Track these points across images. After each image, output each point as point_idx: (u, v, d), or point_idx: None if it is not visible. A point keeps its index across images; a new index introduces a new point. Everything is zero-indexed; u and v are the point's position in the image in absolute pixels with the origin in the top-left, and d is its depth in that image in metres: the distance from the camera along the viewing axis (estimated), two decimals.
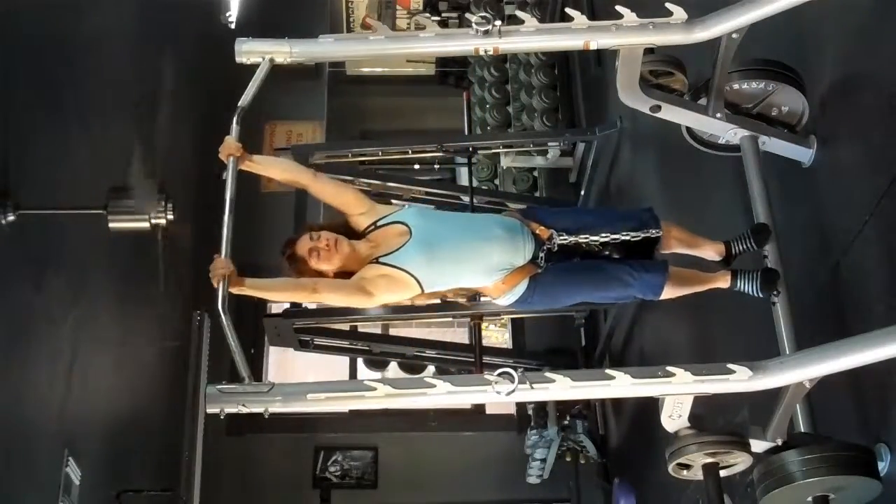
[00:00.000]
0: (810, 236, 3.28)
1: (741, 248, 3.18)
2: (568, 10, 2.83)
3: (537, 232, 3.09)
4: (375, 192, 6.09)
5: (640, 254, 3.16)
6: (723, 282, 3.18)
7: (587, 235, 3.11)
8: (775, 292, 2.97)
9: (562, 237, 3.09)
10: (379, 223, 3.08)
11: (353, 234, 3.08)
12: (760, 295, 3.02)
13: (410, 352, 6.73)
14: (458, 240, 3.02)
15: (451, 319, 7.71)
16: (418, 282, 2.96)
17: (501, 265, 3.03)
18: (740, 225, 3.59)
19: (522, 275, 3.04)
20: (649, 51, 2.93)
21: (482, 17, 2.77)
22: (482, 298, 3.15)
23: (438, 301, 3.21)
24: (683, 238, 3.28)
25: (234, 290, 2.69)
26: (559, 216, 3.22)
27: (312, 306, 6.48)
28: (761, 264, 3.08)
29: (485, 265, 3.02)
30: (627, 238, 3.12)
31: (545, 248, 3.07)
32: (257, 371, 7.35)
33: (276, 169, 3.19)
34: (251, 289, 2.75)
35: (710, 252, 3.28)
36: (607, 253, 3.15)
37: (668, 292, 3.16)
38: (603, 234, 3.10)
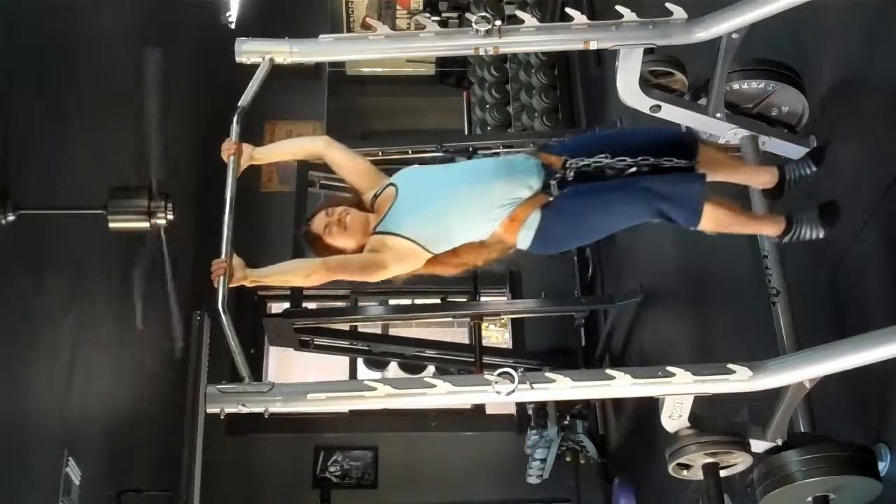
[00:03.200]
0: None
1: (797, 174, 2.94)
2: (568, 10, 2.83)
3: (546, 162, 2.84)
4: None
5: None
6: (775, 226, 2.86)
7: (610, 157, 2.78)
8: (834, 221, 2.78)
9: (579, 162, 2.79)
10: (378, 192, 2.94)
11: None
12: (822, 233, 2.81)
13: (410, 352, 6.73)
14: (446, 187, 2.83)
15: (451, 319, 7.73)
16: (417, 244, 2.78)
17: (502, 200, 2.77)
18: None
19: (532, 206, 2.77)
20: (649, 51, 2.92)
21: (482, 17, 2.77)
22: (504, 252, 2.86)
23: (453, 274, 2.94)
24: (724, 161, 2.94)
25: (248, 283, 2.66)
26: (577, 142, 2.97)
27: (313, 306, 6.49)
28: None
29: (483, 203, 2.77)
30: (658, 163, 2.77)
31: (557, 176, 2.79)
32: (257, 371, 7.35)
33: (285, 152, 3.16)
34: (261, 278, 2.71)
35: (762, 177, 2.96)
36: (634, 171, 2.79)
37: (709, 220, 2.74)
38: (629, 158, 2.77)
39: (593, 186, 2.78)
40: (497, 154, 7.02)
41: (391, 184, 2.92)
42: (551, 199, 2.78)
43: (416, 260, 2.82)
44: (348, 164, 3.02)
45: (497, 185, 2.79)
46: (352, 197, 3.02)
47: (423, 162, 6.45)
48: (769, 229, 2.89)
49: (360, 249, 2.85)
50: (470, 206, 2.79)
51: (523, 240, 2.81)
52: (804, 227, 2.85)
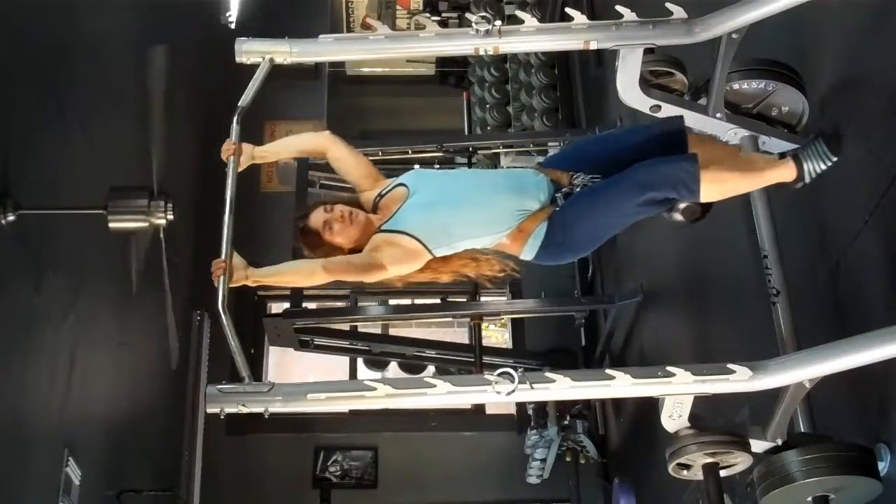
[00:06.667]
0: (810, 236, 3.28)
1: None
2: (568, 10, 2.83)
3: (554, 178, 2.89)
4: None
5: None
6: (786, 171, 2.82)
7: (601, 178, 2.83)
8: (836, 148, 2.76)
9: (586, 178, 2.85)
10: (383, 192, 2.95)
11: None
12: (833, 159, 2.80)
13: (410, 352, 6.73)
14: (458, 191, 2.86)
15: (451, 319, 7.73)
16: (422, 244, 2.79)
17: (512, 212, 2.81)
18: (739, 223, 3.59)
19: (540, 217, 2.82)
20: (649, 51, 2.92)
21: (482, 17, 2.76)
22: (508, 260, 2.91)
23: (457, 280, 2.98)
24: (718, 155, 2.90)
25: (249, 283, 2.67)
26: (570, 156, 3.02)
27: (313, 306, 6.48)
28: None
29: (492, 214, 2.81)
30: None
31: (564, 190, 2.85)
32: (257, 371, 7.35)
33: (288, 150, 3.16)
34: (262, 277, 2.72)
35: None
36: None
37: (712, 187, 2.74)
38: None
39: (590, 189, 2.85)
40: (497, 154, 7.06)
41: (401, 184, 2.92)
42: (557, 209, 2.84)
43: (417, 261, 2.83)
44: (353, 162, 3.01)
45: (507, 198, 2.84)
46: (350, 196, 3.02)
47: (422, 162, 6.49)
48: (782, 175, 2.85)
49: (356, 249, 2.86)
50: (479, 215, 2.83)
51: (530, 249, 2.85)
52: (814, 160, 2.83)
